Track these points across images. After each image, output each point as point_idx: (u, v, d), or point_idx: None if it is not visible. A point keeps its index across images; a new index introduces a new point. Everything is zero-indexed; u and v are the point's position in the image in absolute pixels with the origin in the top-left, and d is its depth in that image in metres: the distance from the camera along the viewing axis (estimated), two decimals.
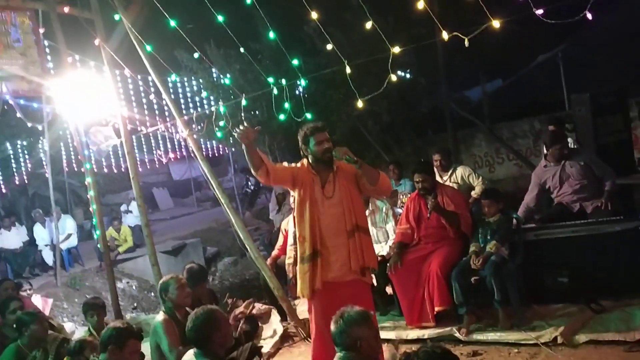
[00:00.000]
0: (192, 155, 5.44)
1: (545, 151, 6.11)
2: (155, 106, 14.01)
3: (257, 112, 10.76)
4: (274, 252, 6.46)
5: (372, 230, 5.71)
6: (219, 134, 6.31)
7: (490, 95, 12.04)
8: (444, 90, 11.04)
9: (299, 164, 4.14)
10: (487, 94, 11.71)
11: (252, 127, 3.74)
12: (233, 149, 21.42)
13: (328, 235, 3.99)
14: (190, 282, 4.80)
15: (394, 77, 4.84)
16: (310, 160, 4.08)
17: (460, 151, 11.06)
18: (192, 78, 11.88)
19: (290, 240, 5.90)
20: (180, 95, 13.28)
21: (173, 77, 6.26)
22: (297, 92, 9.94)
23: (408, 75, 10.94)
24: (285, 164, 4.19)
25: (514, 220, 5.17)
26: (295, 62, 5.83)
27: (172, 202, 22.50)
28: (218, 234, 13.42)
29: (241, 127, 3.68)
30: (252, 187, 18.12)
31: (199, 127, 7.00)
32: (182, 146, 20.82)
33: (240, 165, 26.24)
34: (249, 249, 5.58)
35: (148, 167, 20.77)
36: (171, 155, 19.35)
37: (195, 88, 12.84)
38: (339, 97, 10.04)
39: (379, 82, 5.08)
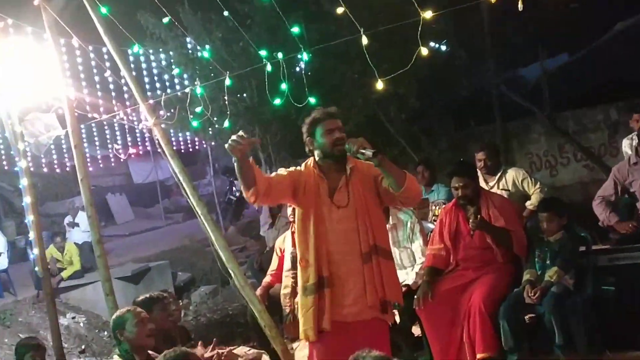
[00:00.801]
0: (159, 150, 5.46)
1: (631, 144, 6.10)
2: (112, 86, 14.11)
3: (244, 96, 10.81)
4: (266, 280, 6.48)
5: (394, 252, 5.71)
6: (194, 124, 6.34)
7: (552, 75, 12.06)
8: (491, 68, 11.05)
9: (300, 167, 4.15)
10: (547, 73, 11.72)
11: (249, 136, 3.73)
12: (213, 143, 21.46)
13: (338, 258, 3.99)
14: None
15: (424, 50, 4.83)
16: (316, 159, 4.09)
17: (512, 148, 11.08)
18: (160, 50, 11.93)
19: (287, 264, 5.93)
20: (145, 73, 13.37)
21: (135, 48, 6.29)
22: (297, 69, 9.99)
23: (443, 48, 10.97)
24: (281, 171, 4.15)
25: (582, 240, 5.20)
26: (295, 29, 5.87)
27: (132, 213, 22.54)
28: (192, 255, 13.44)
29: (235, 137, 3.64)
30: (237, 194, 18.16)
31: (169, 114, 7.05)
32: (146, 139, 20.99)
33: (222, 164, 26.28)
34: (233, 275, 5.58)
35: (101, 165, 20.91)
36: (132, 150, 19.47)
37: (164, 63, 12.90)
38: (352, 76, 10.06)
39: (405, 57, 5.10)
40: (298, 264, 4.13)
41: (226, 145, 3.66)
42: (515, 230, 5.23)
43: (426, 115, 11.28)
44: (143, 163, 23.39)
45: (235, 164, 3.75)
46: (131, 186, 24.11)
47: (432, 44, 10.39)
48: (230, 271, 5.66)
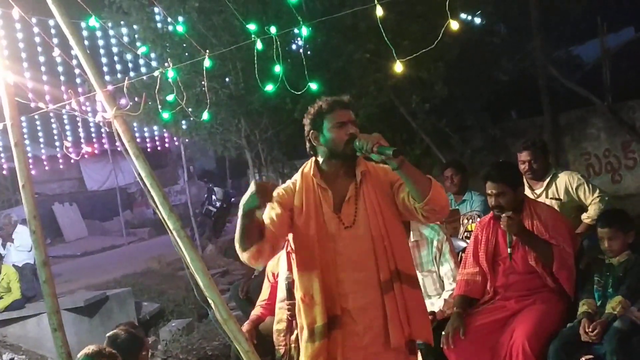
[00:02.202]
0: (121, 149, 5.45)
1: None
2: (61, 69, 14.13)
3: (227, 81, 10.84)
4: (255, 312, 6.46)
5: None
6: (165, 115, 6.34)
7: (615, 55, 12.05)
8: (538, 46, 11.05)
9: (291, 180, 4.13)
10: (609, 53, 11.71)
11: (269, 182, 3.75)
12: (187, 140, 21.49)
13: (351, 289, 3.96)
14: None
15: (455, 24, 4.83)
16: (319, 161, 4.07)
17: (564, 147, 11.10)
18: (122, 23, 11.97)
19: (281, 293, 5.90)
20: (102, 52, 13.39)
21: (92, 21, 6.27)
22: (294, 47, 10.01)
23: (478, 21, 10.99)
24: (270, 207, 4.03)
25: None
26: None
27: (85, 228, 22.58)
28: (161, 281, 13.41)
29: (255, 183, 3.68)
30: (217, 204, 18.19)
31: (132, 104, 7.01)
32: (104, 135, 21.02)
33: (198, 167, 26.40)
34: (213, 306, 5.57)
35: (47, 168, 20.95)
36: (86, 149, 19.47)
37: (127, 39, 12.94)
38: (363, 57, 10.09)
39: (430, 33, 5.09)
40: (297, 297, 4.09)
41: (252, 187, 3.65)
42: (559, 245, 5.20)
43: (456, 106, 11.27)
44: (99, 165, 23.45)
45: (240, 218, 3.74)
46: (84, 194, 24.16)
47: (464, 16, 10.41)
48: (210, 301, 5.64)
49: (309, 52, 8.56)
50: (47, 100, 9.13)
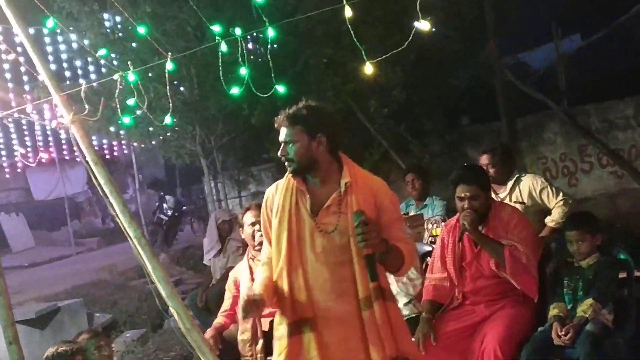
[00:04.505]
0: (79, 155, 5.30)
1: None
2: (9, 75, 13.86)
3: (181, 87, 10.74)
4: (218, 320, 6.36)
5: None
6: (126, 120, 6.20)
7: (567, 61, 12.15)
8: (494, 51, 11.11)
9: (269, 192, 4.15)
10: (564, 58, 11.82)
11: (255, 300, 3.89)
12: (134, 145, 21.31)
13: (323, 297, 3.93)
14: None
15: (425, 25, 4.77)
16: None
17: (521, 151, 11.15)
18: (72, 29, 11.77)
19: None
20: (52, 59, 13.16)
21: (49, 22, 6.09)
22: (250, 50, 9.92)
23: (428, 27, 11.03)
24: (265, 243, 4.24)
25: (623, 264, 5.20)
26: None
27: (32, 239, 22.30)
28: (113, 291, 13.24)
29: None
30: (169, 212, 18.05)
31: (88, 110, 6.84)
32: (52, 143, 20.71)
33: (148, 176, 26.14)
34: (176, 316, 5.43)
35: None
36: (43, 155, 19.17)
37: (76, 46, 12.77)
38: (321, 62, 10.05)
39: (387, 38, 5.02)
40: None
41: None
42: (511, 246, 5.12)
43: (414, 111, 11.29)
44: (46, 175, 23.10)
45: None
46: (31, 204, 23.81)
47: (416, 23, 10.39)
48: (173, 311, 5.51)
49: (267, 57, 8.47)
50: None
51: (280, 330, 3.99)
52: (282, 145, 3.94)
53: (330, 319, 3.90)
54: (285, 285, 3.94)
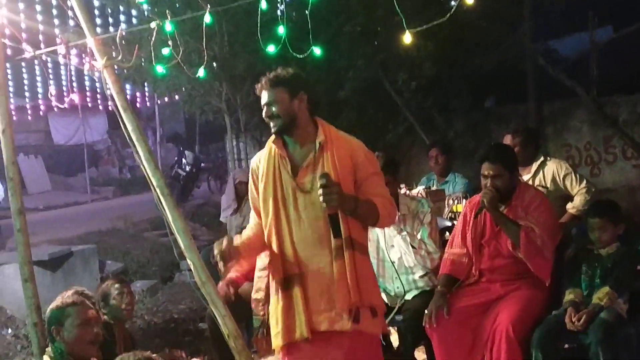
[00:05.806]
0: (110, 103, 5.32)
1: None
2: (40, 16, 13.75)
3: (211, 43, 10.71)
4: (230, 275, 6.39)
5: (402, 252, 5.71)
6: (159, 69, 6.20)
7: (600, 51, 12.06)
8: (528, 34, 11.02)
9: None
10: (596, 47, 11.72)
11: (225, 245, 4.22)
12: (159, 102, 21.19)
13: (306, 253, 4.16)
14: None
15: None
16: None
17: (546, 136, 11.07)
18: None
19: (260, 262, 5.82)
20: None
21: None
22: (279, 12, 9.89)
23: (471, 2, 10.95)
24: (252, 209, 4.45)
25: None
26: None
27: (49, 182, 22.38)
28: (126, 241, 13.34)
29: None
30: (187, 168, 18.10)
31: (123, 57, 6.84)
32: (75, 89, 20.67)
33: (168, 129, 26.18)
34: (192, 268, 5.47)
35: (14, 119, 20.59)
36: (70, 97, 19.16)
37: None
38: (354, 30, 10.00)
39: (425, 8, 5.00)
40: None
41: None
42: (528, 227, 5.13)
43: (442, 87, 11.23)
44: (68, 120, 23.20)
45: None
46: (50, 148, 23.89)
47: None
48: (189, 262, 5.55)
49: (305, 17, 8.47)
50: (34, 44, 8.90)
51: (274, 287, 4.24)
52: (265, 107, 4.16)
53: (313, 272, 4.12)
54: (275, 245, 4.19)
